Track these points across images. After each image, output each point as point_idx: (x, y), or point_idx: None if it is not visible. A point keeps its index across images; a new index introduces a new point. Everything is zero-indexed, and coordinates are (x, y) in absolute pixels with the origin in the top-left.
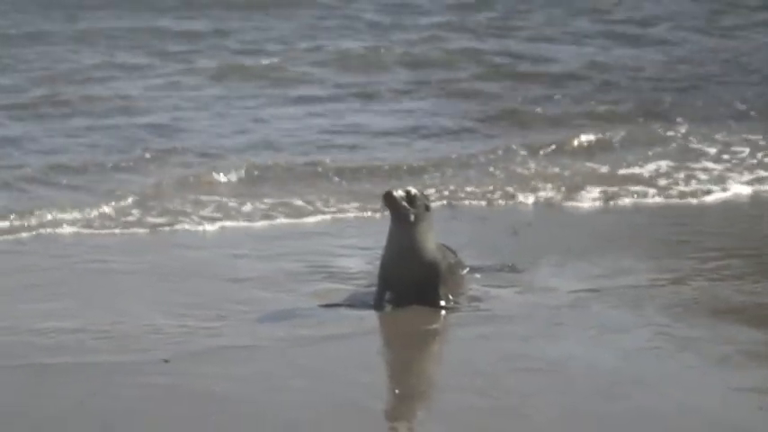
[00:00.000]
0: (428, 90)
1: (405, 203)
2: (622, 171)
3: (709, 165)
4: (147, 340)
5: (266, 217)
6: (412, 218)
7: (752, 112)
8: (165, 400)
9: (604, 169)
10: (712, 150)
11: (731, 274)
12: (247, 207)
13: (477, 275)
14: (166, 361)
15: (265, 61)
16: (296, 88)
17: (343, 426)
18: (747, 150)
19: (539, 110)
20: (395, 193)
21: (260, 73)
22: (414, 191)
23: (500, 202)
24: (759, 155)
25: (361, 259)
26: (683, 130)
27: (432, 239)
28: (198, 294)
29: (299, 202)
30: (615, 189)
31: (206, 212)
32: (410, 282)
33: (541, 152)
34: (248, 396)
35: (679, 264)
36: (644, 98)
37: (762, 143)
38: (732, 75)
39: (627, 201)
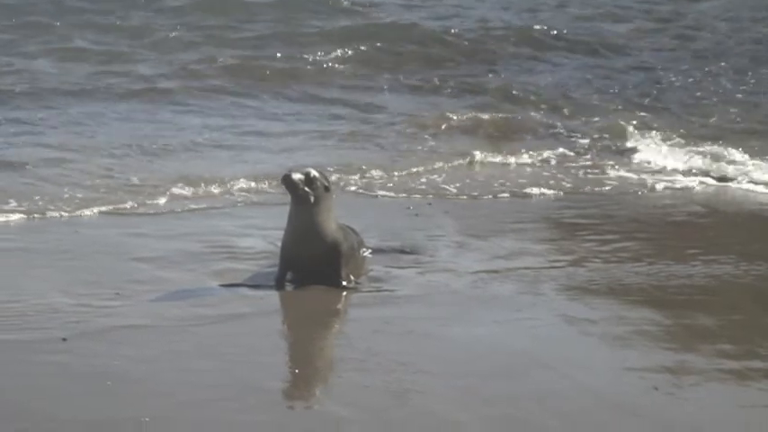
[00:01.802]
0: None
1: (303, 186)
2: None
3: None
4: (44, 319)
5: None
6: (312, 199)
7: None
8: (61, 378)
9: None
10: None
11: (628, 256)
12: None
13: (379, 256)
14: (64, 339)
15: None
16: None
17: (241, 405)
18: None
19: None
20: (294, 176)
21: None
22: (313, 172)
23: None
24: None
25: (263, 240)
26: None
27: (332, 220)
28: (97, 273)
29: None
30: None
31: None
32: (311, 262)
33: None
34: (146, 375)
35: (577, 246)
36: None
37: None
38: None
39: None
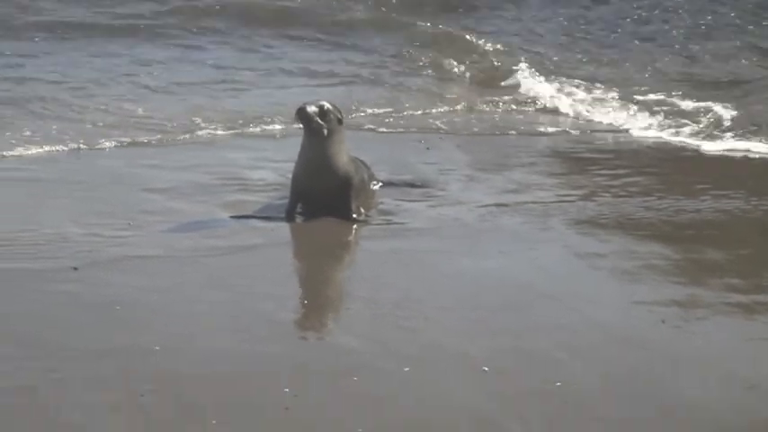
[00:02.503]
0: None
1: (318, 118)
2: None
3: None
4: (55, 248)
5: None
6: (325, 132)
7: None
8: (72, 307)
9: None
10: None
11: (638, 190)
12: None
13: (389, 189)
14: (75, 269)
15: None
16: None
17: (251, 335)
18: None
19: None
20: (308, 109)
21: None
22: (327, 105)
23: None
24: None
25: (274, 172)
26: None
27: (344, 152)
28: (109, 204)
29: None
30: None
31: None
32: (322, 194)
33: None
34: (157, 305)
35: (587, 180)
36: None
37: None
38: None
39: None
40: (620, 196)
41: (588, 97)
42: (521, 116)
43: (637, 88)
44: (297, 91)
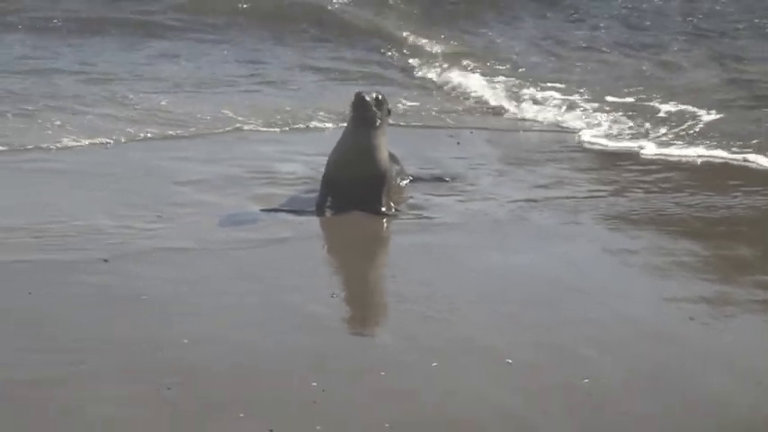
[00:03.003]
0: None
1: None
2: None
3: None
4: (86, 240)
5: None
6: (378, 122)
7: None
8: (102, 299)
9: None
10: None
11: (669, 186)
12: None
13: (419, 184)
14: (105, 261)
15: None
16: None
17: (281, 328)
18: None
19: None
20: (367, 97)
21: None
22: (381, 94)
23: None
24: None
25: (304, 165)
26: None
27: (387, 145)
28: (139, 196)
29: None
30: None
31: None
32: (356, 185)
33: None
34: (187, 297)
35: (617, 176)
36: None
37: None
38: None
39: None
40: (652, 192)
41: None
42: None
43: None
44: (328, 85)
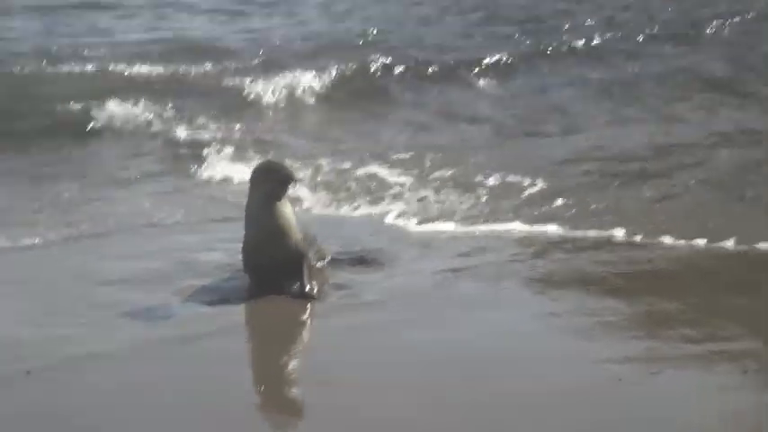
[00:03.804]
0: None
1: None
2: None
3: None
4: (7, 352)
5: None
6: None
7: None
8: (27, 416)
9: None
10: None
11: (587, 245)
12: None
13: (341, 263)
14: (28, 372)
15: None
16: None
17: (209, 425)
18: None
19: None
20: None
21: None
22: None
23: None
24: None
25: (224, 253)
26: None
27: (295, 218)
28: (59, 301)
29: None
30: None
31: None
32: (275, 266)
33: None
34: (116, 405)
35: (537, 238)
36: None
37: None
38: None
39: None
40: (571, 252)
41: None
42: None
43: None
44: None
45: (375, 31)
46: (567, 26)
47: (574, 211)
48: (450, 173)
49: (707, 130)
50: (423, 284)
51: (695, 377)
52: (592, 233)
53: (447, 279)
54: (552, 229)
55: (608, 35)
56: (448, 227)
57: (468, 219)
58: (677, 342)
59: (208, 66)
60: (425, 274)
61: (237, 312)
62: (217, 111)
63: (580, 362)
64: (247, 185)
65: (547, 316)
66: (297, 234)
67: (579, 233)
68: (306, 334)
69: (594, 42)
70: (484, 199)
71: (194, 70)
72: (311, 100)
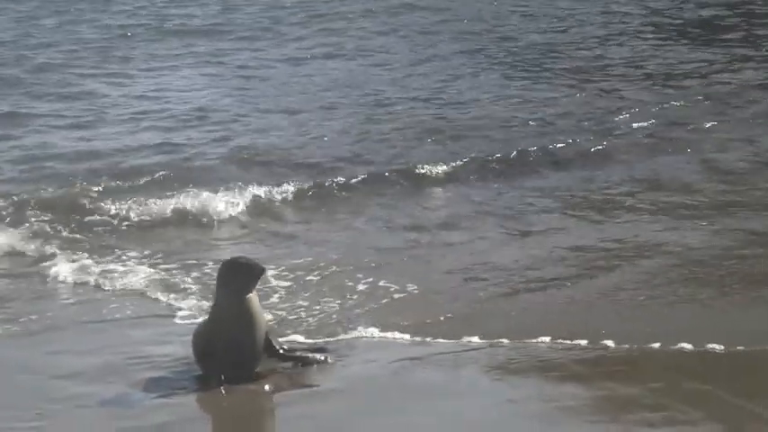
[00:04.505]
0: None
1: None
2: None
3: None
4: None
5: None
6: None
7: None
8: None
9: None
10: None
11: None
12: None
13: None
14: None
15: None
16: None
17: None
18: None
19: None
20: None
21: None
22: None
23: None
24: None
25: (180, 345)
26: None
27: None
28: (15, 395)
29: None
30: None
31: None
32: (246, 353)
33: None
34: None
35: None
36: None
37: None
38: None
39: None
40: (526, 339)
41: None
42: None
43: None
44: None
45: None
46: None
47: None
48: None
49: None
50: (380, 372)
51: None
52: None
53: (404, 367)
54: None
55: None
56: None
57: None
58: (638, 426)
59: None
60: (383, 363)
61: (195, 403)
62: None
63: None
64: None
65: (506, 403)
66: (266, 324)
67: None
68: (262, 425)
69: None
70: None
71: None
72: None
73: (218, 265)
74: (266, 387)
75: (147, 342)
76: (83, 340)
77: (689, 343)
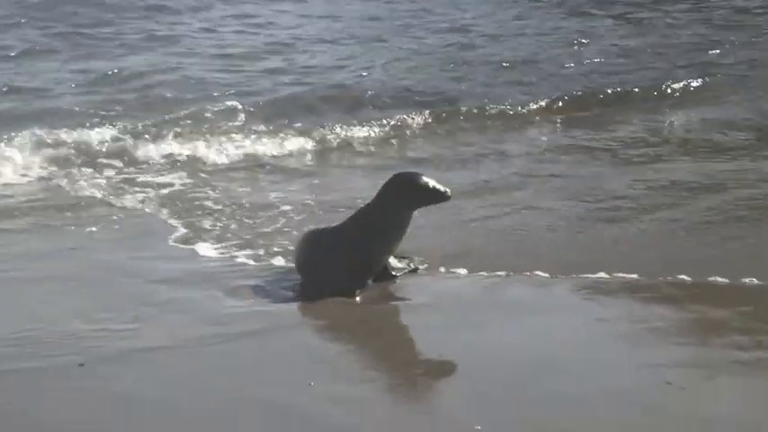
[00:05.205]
0: None
1: None
2: None
3: None
4: (61, 345)
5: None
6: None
7: None
8: (81, 404)
9: None
10: None
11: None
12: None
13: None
14: (81, 365)
15: None
16: None
17: (260, 423)
18: None
19: None
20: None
21: None
22: None
23: None
24: None
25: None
26: None
27: None
28: (113, 297)
29: None
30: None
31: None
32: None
33: None
34: (165, 397)
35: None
36: None
37: None
38: None
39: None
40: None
41: None
42: None
43: None
44: None
45: None
46: None
47: None
48: None
49: None
50: (472, 288)
51: (742, 384)
52: None
53: (495, 284)
54: None
55: None
56: None
57: None
58: (729, 349)
59: None
60: (473, 278)
61: (291, 311)
62: None
63: (631, 366)
64: None
65: (595, 322)
66: None
67: None
68: (355, 333)
69: None
70: None
71: None
72: None
73: (392, 177)
74: (358, 299)
75: None
76: (175, 248)
77: None
